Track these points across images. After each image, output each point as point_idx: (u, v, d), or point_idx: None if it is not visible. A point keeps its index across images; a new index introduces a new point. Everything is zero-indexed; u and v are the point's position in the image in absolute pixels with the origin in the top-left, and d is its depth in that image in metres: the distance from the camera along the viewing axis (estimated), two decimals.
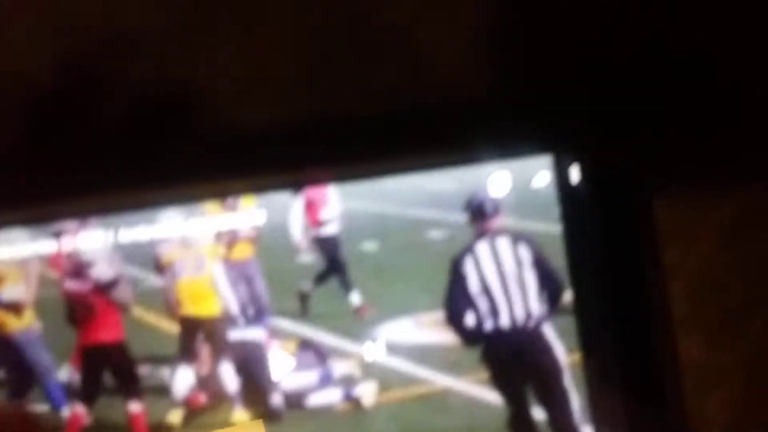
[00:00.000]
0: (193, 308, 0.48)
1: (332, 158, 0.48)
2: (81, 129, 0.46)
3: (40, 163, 0.46)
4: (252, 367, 0.48)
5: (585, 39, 0.51)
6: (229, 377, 0.48)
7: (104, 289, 0.47)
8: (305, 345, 0.49)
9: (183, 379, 0.48)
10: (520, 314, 0.49)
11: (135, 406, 0.47)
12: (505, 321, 0.49)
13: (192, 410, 0.47)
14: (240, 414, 0.48)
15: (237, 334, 0.49)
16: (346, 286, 0.50)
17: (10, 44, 0.46)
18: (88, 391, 0.47)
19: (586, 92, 0.50)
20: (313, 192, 0.49)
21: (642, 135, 0.50)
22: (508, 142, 0.48)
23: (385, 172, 0.48)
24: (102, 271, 0.47)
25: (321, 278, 0.50)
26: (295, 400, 0.48)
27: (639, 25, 0.51)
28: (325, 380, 0.49)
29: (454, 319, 0.49)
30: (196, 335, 0.48)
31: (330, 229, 0.50)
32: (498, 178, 0.49)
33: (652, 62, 0.51)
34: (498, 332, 0.49)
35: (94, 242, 0.46)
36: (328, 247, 0.50)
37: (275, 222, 0.49)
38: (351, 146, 0.47)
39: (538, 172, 0.49)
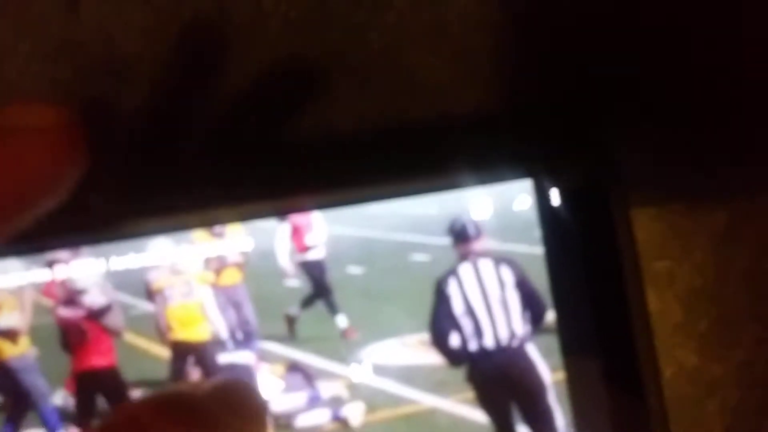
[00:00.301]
0: (183, 333, 0.50)
1: (312, 185, 0.49)
2: None
3: None
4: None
5: (562, 65, 0.53)
6: None
7: (97, 316, 0.48)
8: (293, 368, 0.50)
9: None
10: (504, 334, 0.50)
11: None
12: (489, 341, 0.50)
13: None
14: None
15: (226, 357, 0.50)
16: (333, 309, 0.51)
17: (9, 70, 0.47)
18: (82, 415, 0.48)
19: (565, 116, 0.52)
20: (299, 218, 0.50)
21: (622, 151, 0.51)
22: (487, 168, 0.49)
23: (366, 199, 0.49)
24: (94, 298, 0.48)
25: (308, 302, 0.51)
26: (283, 422, 0.49)
27: (633, 34, 0.52)
28: (314, 401, 0.50)
29: (439, 340, 0.50)
30: (187, 359, 0.49)
31: (316, 254, 0.51)
32: (479, 202, 0.51)
33: (631, 72, 0.52)
34: (482, 352, 0.50)
35: (86, 270, 0.48)
36: (314, 272, 0.51)
37: (262, 248, 0.50)
38: (332, 172, 0.49)
39: (519, 196, 0.51)
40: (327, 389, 0.50)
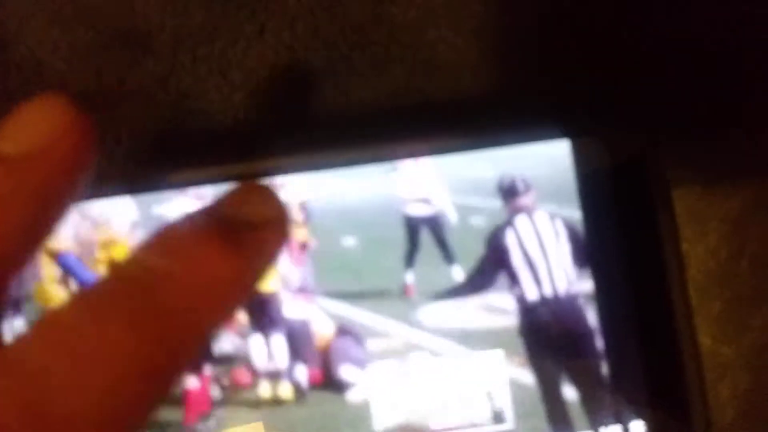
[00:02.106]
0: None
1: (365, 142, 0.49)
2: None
3: None
4: (298, 345, 0.51)
5: (604, 24, 0.50)
6: (281, 353, 0.51)
7: None
8: (342, 331, 0.51)
9: (258, 349, 0.51)
10: (561, 284, 0.50)
11: (191, 381, 0.50)
12: (546, 291, 0.50)
13: (236, 386, 0.51)
14: (286, 389, 0.51)
15: (288, 311, 0.51)
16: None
17: (28, 36, 0.49)
18: None
19: (605, 77, 0.50)
20: (408, 167, 0.51)
21: (659, 120, 0.49)
22: (525, 128, 0.48)
23: (401, 156, 0.50)
24: None
25: (409, 259, 0.52)
26: (336, 385, 0.51)
27: (663, 9, 0.49)
28: (363, 362, 0.51)
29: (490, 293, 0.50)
30: (254, 309, 0.51)
31: (424, 209, 0.51)
32: (526, 162, 0.50)
33: (675, 49, 0.49)
34: (539, 302, 0.50)
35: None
36: (421, 227, 0.51)
37: (319, 205, 0.50)
38: (368, 135, 0.49)
39: (558, 157, 0.49)
40: (378, 347, 0.51)
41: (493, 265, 0.50)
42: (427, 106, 0.50)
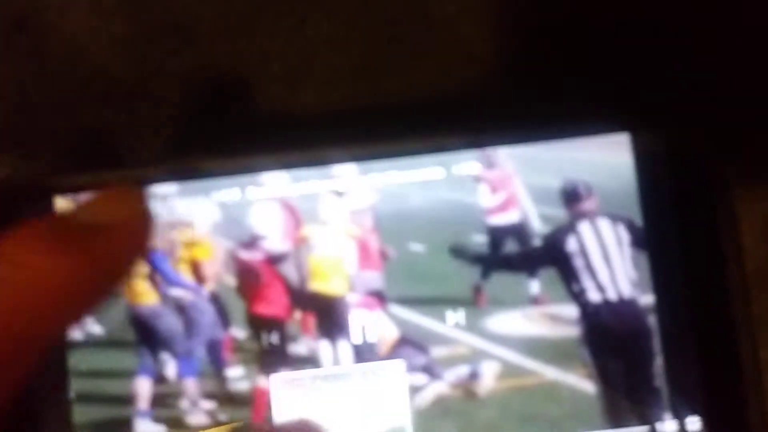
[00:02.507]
0: (321, 285, 0.53)
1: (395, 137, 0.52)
2: (138, 109, 0.52)
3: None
4: (363, 350, 0.52)
5: (662, 13, 0.52)
6: (347, 357, 0.52)
7: (274, 261, 0.53)
8: (404, 341, 0.52)
9: (326, 354, 0.52)
10: (623, 291, 0.51)
11: (264, 381, 0.52)
12: (609, 296, 0.51)
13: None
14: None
15: (355, 315, 0.53)
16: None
17: (68, 25, 0.52)
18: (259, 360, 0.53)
19: (666, 70, 0.52)
20: (493, 176, 0.53)
21: (721, 117, 0.50)
22: (583, 121, 0.50)
23: (461, 147, 0.52)
24: (274, 243, 0.53)
25: (487, 271, 0.53)
26: (405, 394, 0.52)
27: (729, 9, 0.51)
28: (430, 369, 0.51)
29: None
30: (322, 311, 0.53)
31: (507, 218, 0.53)
32: (576, 157, 0.52)
33: (732, 44, 0.51)
34: (601, 308, 0.51)
35: (267, 215, 0.52)
36: (503, 237, 0.53)
37: (388, 208, 0.52)
38: (422, 129, 0.51)
39: (617, 150, 0.51)
40: (441, 354, 0.52)
41: (554, 270, 0.52)
42: (483, 101, 0.52)
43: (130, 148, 0.53)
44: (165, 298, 0.53)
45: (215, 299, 0.53)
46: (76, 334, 0.52)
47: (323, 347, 0.52)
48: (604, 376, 0.51)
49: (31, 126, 0.53)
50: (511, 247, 0.53)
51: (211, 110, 0.53)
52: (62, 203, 0.52)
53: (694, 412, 0.50)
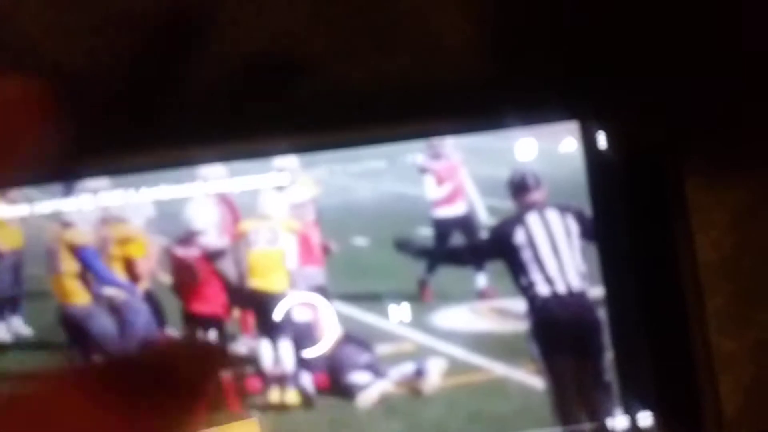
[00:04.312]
0: (261, 281, 0.52)
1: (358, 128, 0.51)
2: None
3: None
4: (305, 349, 0.51)
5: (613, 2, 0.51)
6: (288, 357, 0.51)
7: (212, 258, 0.52)
8: (347, 339, 0.51)
9: (267, 354, 0.51)
10: (572, 283, 0.51)
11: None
12: (558, 289, 0.51)
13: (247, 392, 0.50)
14: (293, 396, 0.50)
15: (293, 312, 0.51)
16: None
17: (22, 17, 0.51)
18: None
19: (614, 58, 0.51)
20: (440, 167, 0.52)
21: (670, 106, 0.50)
22: (532, 109, 0.50)
23: (408, 137, 0.51)
24: (211, 239, 0.52)
25: (432, 265, 0.52)
26: (349, 391, 0.50)
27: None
28: (374, 367, 0.50)
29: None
30: (259, 308, 0.51)
31: (455, 210, 0.52)
32: (525, 147, 0.51)
33: (684, 32, 0.51)
34: (549, 301, 0.50)
35: (205, 210, 0.51)
36: (448, 229, 0.52)
37: (331, 201, 0.51)
38: (368, 119, 0.50)
39: (564, 139, 0.50)
40: (384, 351, 0.50)
41: (502, 263, 0.51)
42: (431, 89, 0.51)
43: (65, 142, 0.51)
44: (97, 297, 0.51)
45: (150, 298, 0.51)
46: (3, 335, 0.50)
47: (264, 347, 0.51)
48: (553, 371, 0.50)
49: None
50: (457, 240, 0.52)
51: (148, 103, 0.51)
52: None
53: (645, 407, 0.50)
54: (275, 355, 0.51)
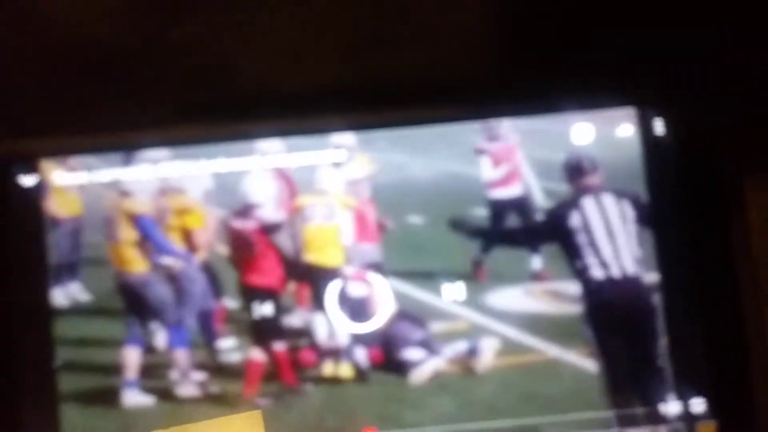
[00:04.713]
0: (316, 256, 0.52)
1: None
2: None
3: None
4: (359, 324, 0.51)
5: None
6: (342, 331, 0.51)
7: (268, 231, 0.52)
8: (401, 316, 0.51)
9: (321, 327, 0.52)
10: (627, 268, 0.51)
11: (256, 354, 0.51)
12: (613, 273, 0.51)
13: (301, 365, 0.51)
14: (346, 370, 0.51)
15: (350, 288, 0.52)
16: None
17: None
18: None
19: (674, 45, 0.51)
20: (498, 148, 0.52)
21: (728, 93, 0.49)
22: (590, 94, 0.50)
23: (466, 118, 0.51)
24: (269, 213, 0.52)
25: (488, 245, 0.52)
26: (402, 369, 0.51)
27: None
28: (428, 345, 0.51)
29: None
30: (316, 283, 0.52)
31: (510, 192, 0.53)
32: (581, 131, 0.51)
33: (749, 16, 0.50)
34: (604, 285, 0.51)
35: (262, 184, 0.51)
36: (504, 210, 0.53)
37: (388, 180, 0.52)
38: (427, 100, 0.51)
39: (622, 124, 0.51)
40: (443, 330, 0.51)
41: (557, 246, 0.51)
42: (489, 72, 0.51)
43: (126, 115, 0.51)
44: (155, 266, 0.52)
45: (207, 268, 0.52)
46: (62, 300, 0.51)
47: (318, 320, 0.52)
48: (606, 355, 0.50)
49: (16, 96, 0.51)
50: (512, 221, 0.52)
51: (203, 83, 0.51)
52: (48, 165, 0.51)
53: (698, 393, 0.50)
54: (330, 328, 0.51)
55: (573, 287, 0.51)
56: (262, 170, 0.51)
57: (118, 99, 0.51)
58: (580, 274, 0.51)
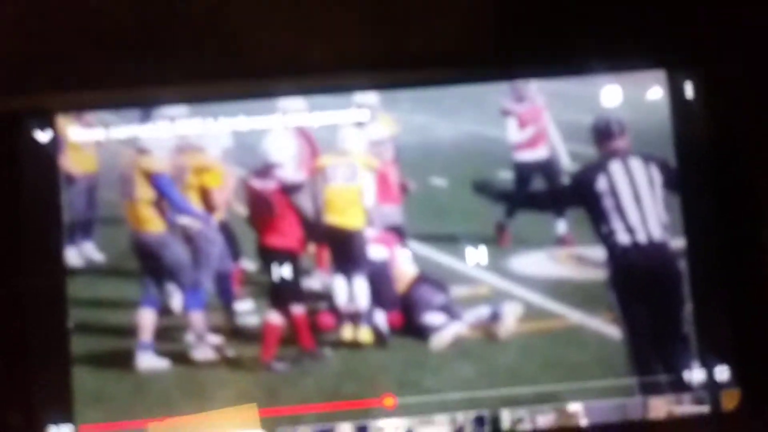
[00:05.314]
0: (337, 217, 0.51)
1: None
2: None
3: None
4: (379, 287, 0.51)
5: None
6: (362, 294, 0.50)
7: (288, 191, 0.52)
8: (422, 279, 0.50)
9: (341, 290, 0.51)
10: (653, 232, 0.50)
11: (274, 317, 0.50)
12: (639, 238, 0.50)
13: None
14: (366, 334, 0.50)
15: (371, 250, 0.51)
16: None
17: None
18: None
19: (705, 8, 0.50)
20: (526, 110, 0.52)
21: (761, 58, 0.49)
22: (619, 56, 0.49)
23: (492, 79, 0.51)
24: (288, 173, 0.51)
25: (512, 209, 0.51)
26: (425, 332, 0.50)
27: None
28: (449, 309, 0.50)
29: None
30: (336, 245, 0.51)
31: (537, 154, 0.52)
32: (610, 93, 0.51)
33: None
34: (630, 250, 0.50)
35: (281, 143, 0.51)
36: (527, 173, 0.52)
37: (408, 140, 0.51)
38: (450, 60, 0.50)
39: (651, 87, 0.50)
40: (460, 293, 0.50)
41: (582, 210, 0.51)
42: (515, 32, 0.50)
43: (144, 70, 0.50)
44: (172, 226, 0.51)
45: (225, 229, 0.51)
46: (76, 260, 0.50)
47: (338, 283, 0.51)
48: (630, 321, 0.50)
49: (32, 51, 0.50)
50: (538, 184, 0.51)
51: (224, 49, 0.50)
52: (63, 120, 0.50)
53: (723, 360, 0.49)
54: (350, 291, 0.51)
55: (598, 252, 0.50)
56: (283, 129, 0.50)
57: (137, 54, 0.49)
58: (606, 239, 0.50)
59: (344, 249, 0.51)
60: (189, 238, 0.51)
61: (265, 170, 0.51)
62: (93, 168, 0.50)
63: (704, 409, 0.49)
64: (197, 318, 0.50)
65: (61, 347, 0.50)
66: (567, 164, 0.51)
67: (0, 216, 0.49)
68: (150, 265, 0.50)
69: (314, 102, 0.51)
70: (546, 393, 0.49)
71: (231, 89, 0.50)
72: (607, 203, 0.51)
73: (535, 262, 0.50)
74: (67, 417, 0.49)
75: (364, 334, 0.50)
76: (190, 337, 0.50)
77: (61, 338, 0.50)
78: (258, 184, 0.51)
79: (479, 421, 0.49)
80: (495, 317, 0.50)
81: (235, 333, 0.50)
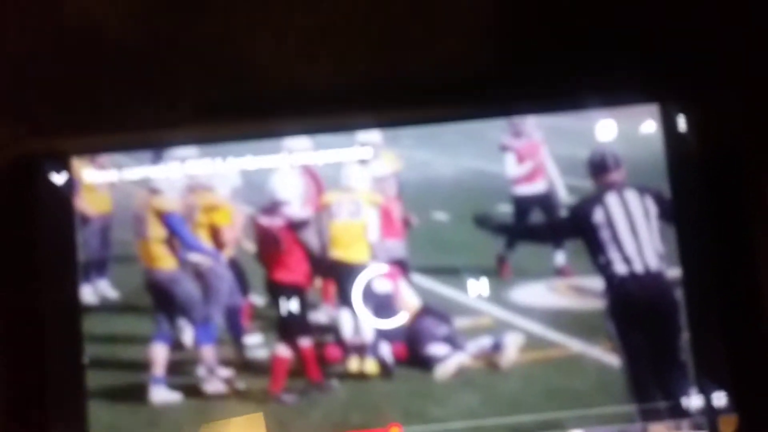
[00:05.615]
0: (342, 252, 0.53)
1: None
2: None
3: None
4: (384, 320, 0.52)
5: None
6: (367, 327, 0.52)
7: (295, 227, 0.53)
8: (426, 311, 0.52)
9: (347, 323, 0.52)
10: (650, 263, 0.52)
11: (282, 350, 0.52)
12: (635, 269, 0.52)
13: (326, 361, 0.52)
14: (371, 365, 0.51)
15: (375, 284, 0.53)
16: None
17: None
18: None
19: (696, 41, 0.52)
20: (523, 145, 0.53)
21: (751, 91, 0.50)
22: (613, 90, 0.51)
23: (490, 115, 0.53)
24: (295, 210, 0.53)
25: (511, 241, 0.53)
26: (427, 365, 0.52)
27: None
28: (452, 340, 0.52)
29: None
30: (342, 279, 0.53)
31: (535, 188, 0.54)
32: (605, 127, 0.53)
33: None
34: (627, 281, 0.52)
35: (288, 182, 0.53)
36: (527, 206, 0.54)
37: (413, 177, 0.52)
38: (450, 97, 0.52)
39: (645, 121, 0.52)
40: (463, 324, 0.52)
41: (580, 241, 0.52)
42: (512, 69, 0.52)
43: (154, 113, 0.52)
44: (183, 263, 0.53)
45: (234, 265, 0.53)
46: (90, 297, 0.52)
47: (344, 316, 0.52)
48: (629, 349, 0.51)
49: (47, 95, 0.52)
50: (536, 217, 0.53)
51: (230, 81, 0.52)
52: (78, 163, 0.52)
53: (720, 387, 0.51)
54: (355, 324, 0.52)
55: (596, 282, 0.52)
56: (289, 168, 0.52)
57: (148, 98, 0.52)
58: (603, 269, 0.52)
59: (349, 283, 0.52)
60: (200, 274, 0.53)
61: (272, 208, 0.53)
62: (107, 208, 0.52)
63: None
64: (208, 352, 0.52)
65: (77, 382, 0.51)
66: (564, 197, 0.53)
67: (17, 256, 0.51)
68: (162, 301, 0.52)
69: (319, 141, 0.53)
70: (548, 421, 0.51)
71: (239, 130, 0.52)
72: (604, 234, 0.52)
73: (535, 293, 0.52)
74: None
75: (370, 366, 0.52)
76: (201, 371, 0.52)
77: (77, 373, 0.51)
78: (266, 221, 0.53)
79: None
80: (497, 347, 0.51)
81: (244, 366, 0.52)
